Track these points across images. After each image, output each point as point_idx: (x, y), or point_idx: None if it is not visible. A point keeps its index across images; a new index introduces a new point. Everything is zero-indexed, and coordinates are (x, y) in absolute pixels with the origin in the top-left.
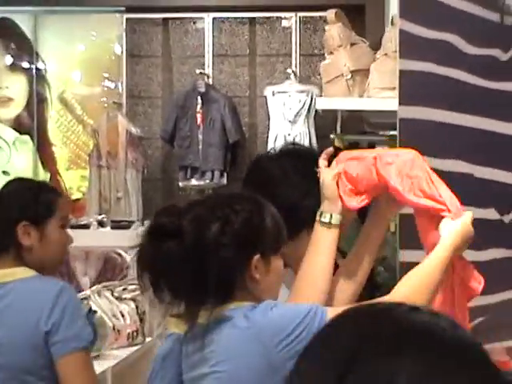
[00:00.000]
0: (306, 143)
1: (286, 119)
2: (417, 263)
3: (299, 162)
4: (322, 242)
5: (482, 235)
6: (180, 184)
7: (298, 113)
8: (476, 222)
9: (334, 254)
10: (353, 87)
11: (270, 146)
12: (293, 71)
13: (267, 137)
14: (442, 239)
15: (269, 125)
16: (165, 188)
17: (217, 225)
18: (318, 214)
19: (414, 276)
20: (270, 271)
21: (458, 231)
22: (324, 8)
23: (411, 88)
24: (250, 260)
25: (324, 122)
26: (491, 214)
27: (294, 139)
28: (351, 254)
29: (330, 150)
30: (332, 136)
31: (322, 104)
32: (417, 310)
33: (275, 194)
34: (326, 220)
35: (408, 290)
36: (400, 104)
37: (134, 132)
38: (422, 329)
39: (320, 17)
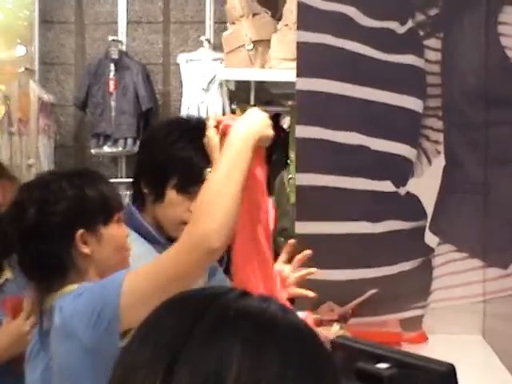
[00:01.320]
0: (219, 111)
1: (199, 87)
2: (313, 235)
3: (174, 127)
4: None
5: (377, 207)
6: (92, 151)
7: (211, 81)
8: (372, 194)
9: None
10: (254, 58)
11: (184, 113)
12: (206, 39)
13: (180, 104)
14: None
15: (182, 92)
16: (77, 155)
17: (34, 208)
18: (207, 170)
19: (216, 175)
20: (103, 243)
21: (241, 121)
22: None
23: (308, 60)
24: (73, 237)
25: (238, 90)
26: (387, 186)
27: (207, 107)
28: None
29: (220, 116)
30: (233, 107)
31: (224, 74)
32: (245, 296)
33: (146, 152)
34: None
35: (213, 192)
36: (298, 76)
37: (46, 99)
38: (251, 313)
39: None
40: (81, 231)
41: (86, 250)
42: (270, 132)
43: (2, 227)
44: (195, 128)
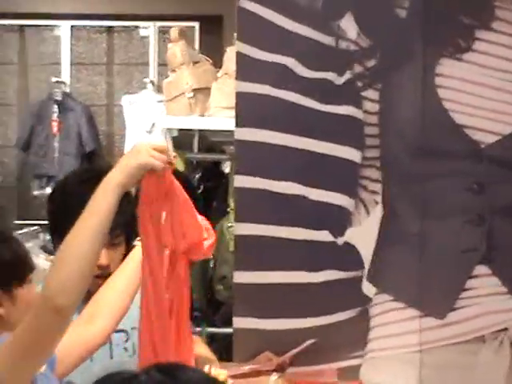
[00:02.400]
0: None
1: (142, 129)
2: (252, 284)
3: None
4: (131, 259)
5: (315, 257)
6: (35, 193)
7: (154, 123)
8: (309, 244)
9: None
10: (195, 105)
11: None
12: (150, 81)
13: (124, 146)
14: None
15: (125, 134)
16: (20, 196)
17: None
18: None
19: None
20: (17, 304)
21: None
22: (182, 18)
23: (248, 110)
24: None
25: (181, 136)
26: (325, 236)
27: None
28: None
29: None
30: (174, 154)
31: (165, 122)
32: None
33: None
34: None
35: (60, 251)
36: (237, 125)
37: None
38: None
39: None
40: None
41: (1, 312)
42: (149, 158)
43: None
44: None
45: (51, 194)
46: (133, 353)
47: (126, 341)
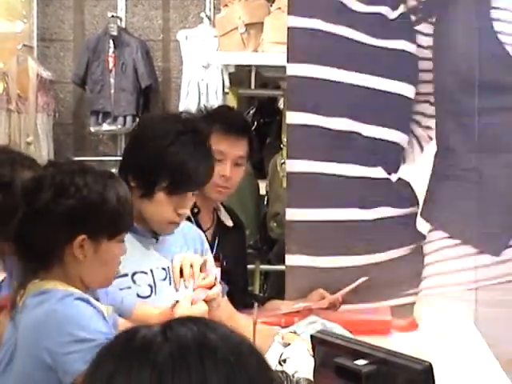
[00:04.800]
0: (220, 90)
1: (199, 64)
2: (304, 222)
3: (182, 133)
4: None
5: (368, 194)
6: (91, 129)
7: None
8: (363, 181)
9: None
10: (247, 41)
11: (184, 90)
12: (206, 15)
13: (180, 81)
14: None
15: (182, 69)
16: (76, 133)
17: (51, 191)
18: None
19: None
20: (98, 256)
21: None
22: None
23: (299, 45)
24: (74, 238)
25: (238, 71)
26: (378, 172)
27: (207, 85)
28: None
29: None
30: (226, 90)
31: (217, 58)
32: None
33: (138, 145)
34: None
35: None
36: (288, 61)
37: (45, 76)
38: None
39: None
40: (82, 236)
41: (79, 254)
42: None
43: (14, 197)
44: (191, 131)
45: (136, 136)
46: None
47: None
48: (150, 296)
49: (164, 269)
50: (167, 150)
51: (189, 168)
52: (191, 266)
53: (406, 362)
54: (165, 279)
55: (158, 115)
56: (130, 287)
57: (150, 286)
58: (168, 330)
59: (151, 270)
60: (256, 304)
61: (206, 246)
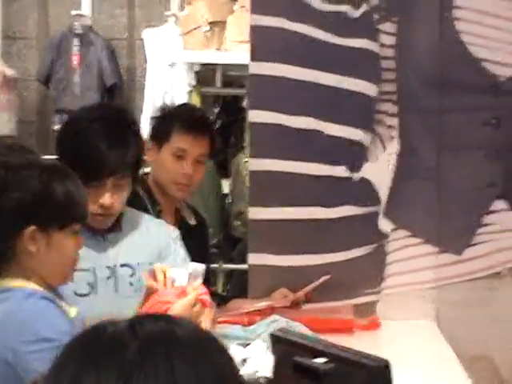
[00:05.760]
0: (185, 89)
1: (164, 63)
2: (267, 220)
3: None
4: None
5: (331, 193)
6: (56, 127)
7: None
8: (326, 180)
9: None
10: (211, 39)
11: (148, 89)
12: (172, 14)
13: (145, 80)
14: None
15: (147, 68)
16: (40, 131)
17: None
18: None
19: None
20: (51, 248)
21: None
22: None
23: (262, 44)
24: (23, 230)
25: (203, 70)
26: (341, 171)
27: (172, 84)
28: None
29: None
30: (189, 89)
31: (180, 56)
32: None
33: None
34: None
35: None
36: (252, 60)
37: (9, 73)
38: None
39: None
40: (32, 227)
41: (31, 247)
42: None
43: None
44: (105, 118)
45: (60, 132)
46: (138, 288)
47: (132, 275)
48: (88, 295)
49: (109, 267)
50: (77, 139)
51: (95, 155)
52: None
53: (364, 360)
54: (109, 278)
55: (81, 108)
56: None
57: (90, 285)
58: (137, 326)
59: (93, 268)
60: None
61: (175, 246)
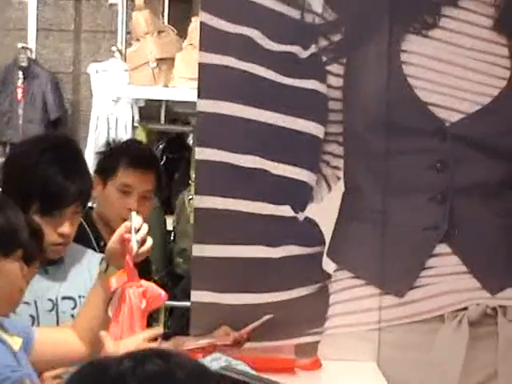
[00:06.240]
0: (129, 124)
1: (109, 98)
2: (210, 258)
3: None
4: (96, 290)
5: (275, 232)
6: None
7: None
8: (270, 219)
9: (107, 300)
10: (158, 76)
11: (93, 124)
12: (118, 49)
13: (90, 115)
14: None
15: (92, 103)
16: None
17: None
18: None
19: None
20: None
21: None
22: None
23: (210, 81)
24: None
25: (148, 106)
26: (286, 210)
27: (116, 119)
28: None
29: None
30: (135, 124)
31: (127, 92)
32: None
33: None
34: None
35: None
36: (199, 97)
37: None
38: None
39: None
40: None
41: None
42: None
43: None
44: (55, 147)
45: (6, 166)
46: None
47: (73, 308)
48: None
49: (51, 300)
50: (31, 171)
51: (54, 185)
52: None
53: None
54: (51, 310)
55: (24, 140)
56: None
57: (32, 317)
58: (138, 367)
59: (35, 301)
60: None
61: None
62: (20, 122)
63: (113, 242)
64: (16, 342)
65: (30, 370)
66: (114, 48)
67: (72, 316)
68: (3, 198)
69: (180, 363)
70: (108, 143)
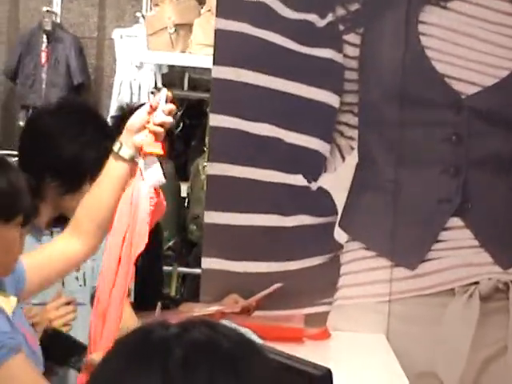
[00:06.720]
0: (152, 90)
1: (132, 64)
2: (222, 225)
3: (76, 116)
4: (107, 171)
5: (287, 201)
6: (21, 123)
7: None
8: (283, 188)
9: (118, 186)
10: (176, 41)
11: (116, 90)
12: (142, 15)
13: (113, 80)
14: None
15: (115, 68)
16: (5, 127)
17: None
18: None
19: None
20: None
21: None
22: None
23: (226, 48)
24: None
25: (170, 72)
26: (299, 180)
27: (139, 85)
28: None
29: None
30: (153, 90)
31: (145, 57)
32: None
33: (52, 146)
34: (116, 149)
35: None
36: (214, 64)
37: None
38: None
39: None
40: None
41: None
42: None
43: None
44: (106, 125)
45: (23, 130)
46: (83, 283)
47: (77, 270)
48: None
49: None
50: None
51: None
52: None
53: (305, 368)
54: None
55: (57, 113)
56: None
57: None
58: (184, 334)
59: None
60: (159, 304)
61: None
62: (43, 86)
63: (135, 115)
64: (11, 303)
65: (25, 327)
66: (138, 13)
67: (76, 278)
68: (4, 159)
69: (227, 334)
70: (122, 107)
